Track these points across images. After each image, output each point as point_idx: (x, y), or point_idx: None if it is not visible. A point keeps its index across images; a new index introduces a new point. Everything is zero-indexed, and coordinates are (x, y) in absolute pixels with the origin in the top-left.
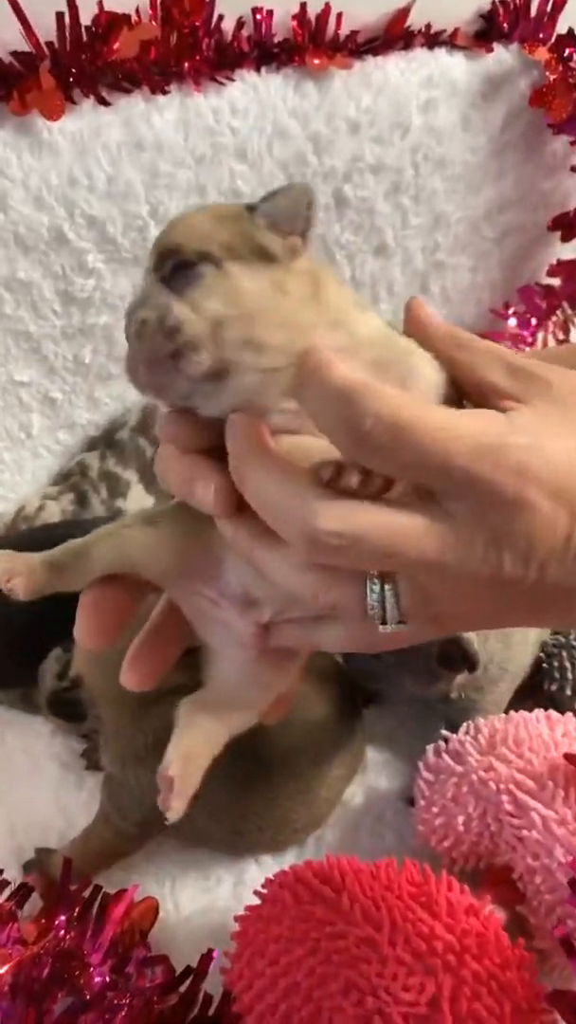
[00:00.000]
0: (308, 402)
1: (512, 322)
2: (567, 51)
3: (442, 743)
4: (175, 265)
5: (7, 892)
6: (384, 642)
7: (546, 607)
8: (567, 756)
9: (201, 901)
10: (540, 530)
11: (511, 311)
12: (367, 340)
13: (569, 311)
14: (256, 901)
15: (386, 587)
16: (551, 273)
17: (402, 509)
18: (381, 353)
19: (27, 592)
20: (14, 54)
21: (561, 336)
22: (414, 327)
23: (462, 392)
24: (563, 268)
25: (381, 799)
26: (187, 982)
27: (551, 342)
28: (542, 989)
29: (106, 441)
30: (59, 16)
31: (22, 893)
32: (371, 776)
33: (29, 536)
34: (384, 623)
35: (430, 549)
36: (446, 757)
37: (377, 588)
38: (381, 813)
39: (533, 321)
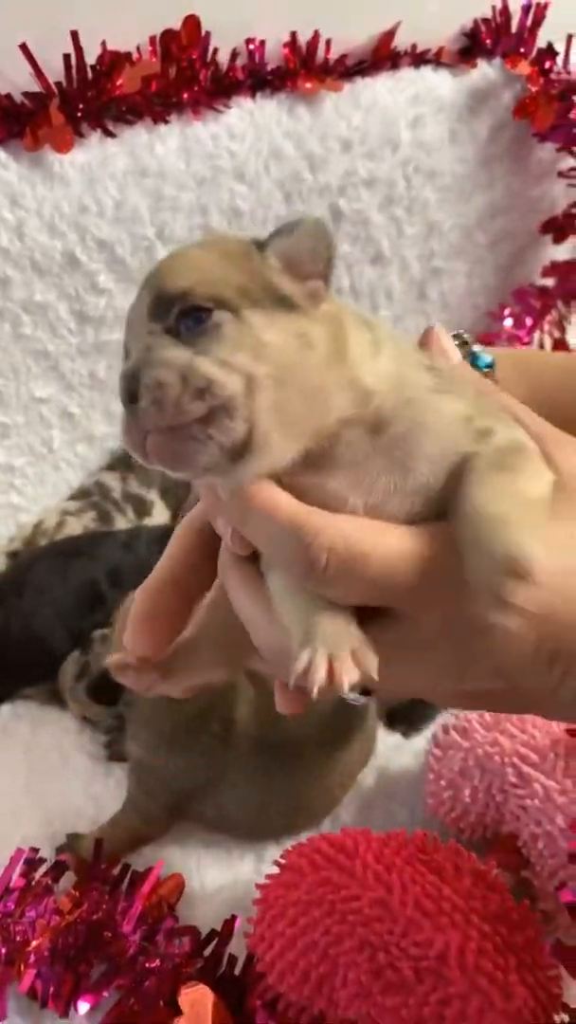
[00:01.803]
0: (258, 539)
1: (508, 323)
2: (547, 64)
3: (451, 719)
4: (182, 312)
5: (43, 868)
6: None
7: (529, 707)
8: (569, 731)
9: (225, 877)
10: (505, 645)
11: (507, 312)
12: (374, 393)
13: (564, 310)
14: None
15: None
16: (545, 274)
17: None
18: (384, 408)
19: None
20: (26, 94)
21: (557, 334)
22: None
23: None
24: (556, 269)
25: (393, 779)
26: (212, 945)
27: (547, 341)
28: (546, 945)
29: (125, 463)
30: (66, 57)
31: (58, 870)
32: (382, 759)
33: (47, 549)
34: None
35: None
36: (454, 733)
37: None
38: (393, 792)
39: (528, 321)
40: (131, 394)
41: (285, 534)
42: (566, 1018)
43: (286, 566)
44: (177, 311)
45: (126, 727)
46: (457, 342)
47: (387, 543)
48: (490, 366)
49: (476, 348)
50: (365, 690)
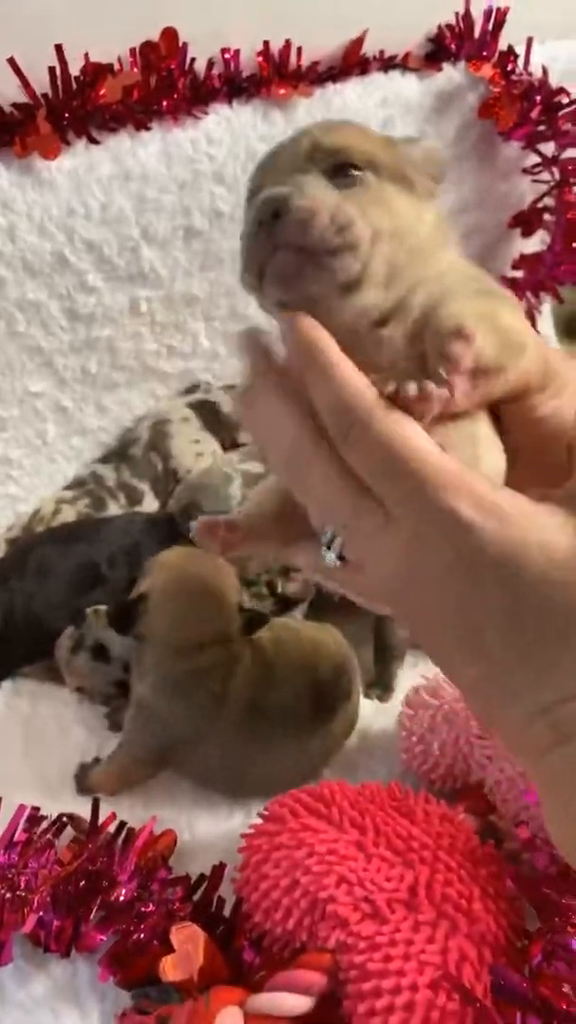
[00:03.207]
0: (315, 386)
1: None
2: (509, 66)
3: (422, 680)
4: (337, 163)
5: (44, 824)
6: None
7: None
8: None
9: (215, 831)
10: (448, 596)
11: None
12: (449, 272)
13: (533, 301)
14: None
15: (336, 536)
16: (515, 266)
17: (353, 490)
18: (447, 285)
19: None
20: (14, 105)
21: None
22: None
23: None
24: (525, 261)
25: (372, 740)
26: (202, 889)
27: None
28: (507, 875)
29: (120, 455)
30: (51, 70)
31: (58, 826)
32: (363, 722)
33: (48, 533)
34: (328, 548)
35: (356, 530)
36: (423, 693)
37: (330, 530)
38: (373, 751)
39: None
40: (275, 212)
41: (338, 396)
42: (526, 942)
43: (326, 416)
44: (333, 161)
45: (132, 670)
46: None
47: (419, 445)
48: None
49: None
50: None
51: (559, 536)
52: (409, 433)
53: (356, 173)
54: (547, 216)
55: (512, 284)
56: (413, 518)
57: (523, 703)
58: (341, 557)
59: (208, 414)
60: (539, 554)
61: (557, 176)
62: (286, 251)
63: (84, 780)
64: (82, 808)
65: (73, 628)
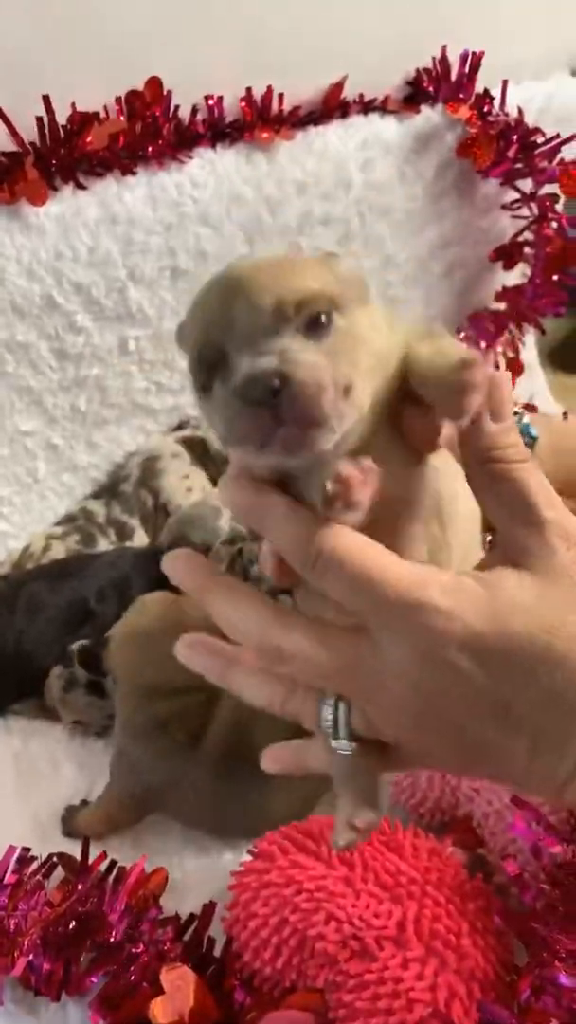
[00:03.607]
0: (270, 533)
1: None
2: (485, 107)
3: None
4: (311, 319)
5: (35, 865)
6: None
7: (479, 761)
8: None
9: (205, 869)
10: (456, 688)
11: (463, 336)
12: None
13: (516, 332)
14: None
15: (340, 703)
16: (498, 299)
17: (339, 633)
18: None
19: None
20: (2, 153)
21: (511, 354)
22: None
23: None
24: (508, 294)
25: None
26: (192, 929)
27: (501, 361)
28: (495, 910)
29: (110, 492)
30: (39, 119)
31: (48, 867)
32: None
33: (38, 570)
34: (336, 736)
35: (355, 673)
36: None
37: (331, 702)
38: None
39: (483, 344)
40: (272, 391)
41: (292, 535)
42: (515, 977)
43: (289, 559)
44: (306, 317)
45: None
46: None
47: (377, 558)
48: (534, 438)
49: (526, 419)
50: (355, 736)
51: (524, 595)
52: (365, 547)
53: (326, 321)
54: (527, 250)
55: (495, 316)
56: (400, 623)
57: (565, 764)
58: (355, 737)
59: (198, 449)
60: (523, 616)
61: (536, 212)
62: (293, 426)
63: (71, 822)
64: (72, 847)
65: (61, 667)
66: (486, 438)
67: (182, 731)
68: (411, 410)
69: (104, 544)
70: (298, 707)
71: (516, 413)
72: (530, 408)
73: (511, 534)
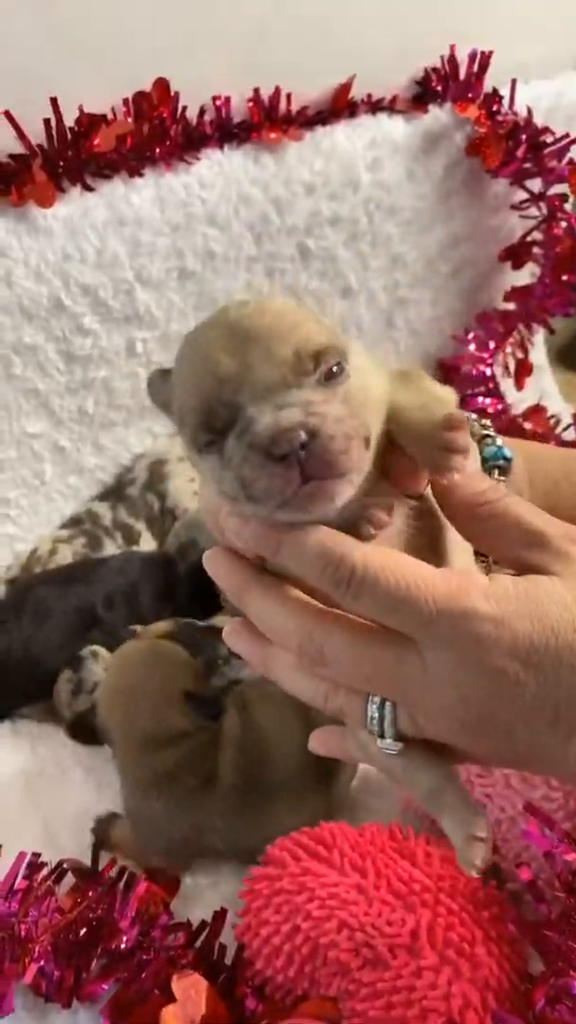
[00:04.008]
0: (292, 564)
1: (472, 347)
2: (494, 107)
3: None
4: (328, 370)
5: (45, 871)
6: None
7: (528, 762)
8: None
9: (216, 875)
10: (505, 693)
11: (471, 336)
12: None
13: (525, 332)
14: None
15: (386, 703)
16: (506, 299)
17: (382, 641)
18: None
19: None
20: (10, 156)
21: (520, 355)
22: (437, 492)
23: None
24: (516, 294)
25: (372, 778)
26: (203, 936)
27: (510, 362)
28: (509, 918)
29: (117, 494)
30: (46, 121)
31: (58, 873)
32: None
33: (45, 575)
34: (382, 737)
35: (401, 681)
36: None
37: (377, 701)
38: (372, 790)
39: (492, 344)
40: (300, 445)
41: (316, 558)
42: (529, 986)
43: (319, 584)
44: (325, 368)
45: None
46: (483, 430)
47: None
48: (509, 460)
49: (499, 441)
50: (400, 736)
51: (562, 595)
52: (398, 560)
53: (339, 371)
54: (536, 249)
55: (504, 316)
56: (446, 633)
57: None
58: (400, 737)
59: None
60: (567, 615)
61: (545, 211)
62: (320, 480)
63: (103, 834)
64: (82, 853)
65: (70, 672)
66: (463, 493)
67: (193, 776)
68: (397, 457)
69: (111, 547)
70: (342, 704)
71: (488, 436)
72: (538, 409)
73: (518, 559)
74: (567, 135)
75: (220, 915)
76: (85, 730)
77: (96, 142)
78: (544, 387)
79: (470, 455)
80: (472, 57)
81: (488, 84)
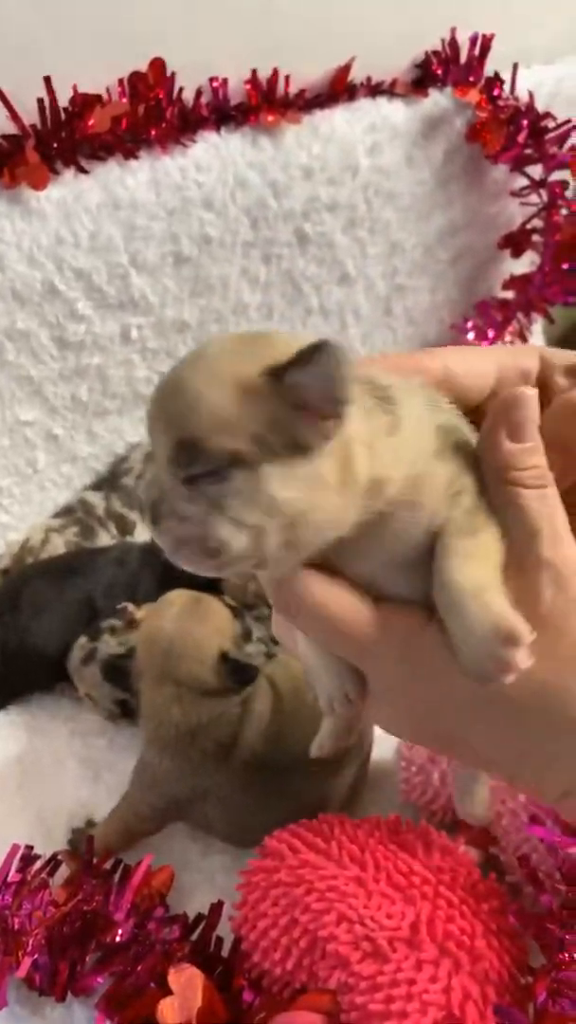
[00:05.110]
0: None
1: (471, 335)
2: (495, 91)
3: None
4: (207, 472)
5: (39, 864)
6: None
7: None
8: None
9: (212, 867)
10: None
11: (470, 324)
12: (386, 482)
13: (524, 321)
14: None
15: None
16: (505, 287)
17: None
18: (392, 495)
19: None
20: (2, 136)
21: (519, 343)
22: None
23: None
24: (516, 282)
25: (372, 770)
26: (200, 929)
27: None
28: (510, 910)
29: (110, 484)
30: (39, 101)
31: (52, 865)
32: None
33: (42, 566)
34: None
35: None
36: None
37: None
38: (372, 782)
39: (491, 333)
40: (153, 518)
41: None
42: (530, 979)
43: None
44: (200, 469)
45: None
46: None
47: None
48: None
49: None
50: None
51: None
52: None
53: (224, 471)
54: (536, 237)
55: (503, 305)
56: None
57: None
58: None
59: None
60: None
61: (545, 198)
62: (180, 560)
63: (82, 843)
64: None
65: (86, 639)
66: (502, 456)
67: (211, 740)
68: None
69: (104, 537)
70: None
71: None
72: None
73: (509, 562)
74: (569, 121)
75: (216, 908)
76: (120, 672)
77: (90, 123)
78: None
79: (523, 434)
80: (473, 41)
81: (489, 68)
